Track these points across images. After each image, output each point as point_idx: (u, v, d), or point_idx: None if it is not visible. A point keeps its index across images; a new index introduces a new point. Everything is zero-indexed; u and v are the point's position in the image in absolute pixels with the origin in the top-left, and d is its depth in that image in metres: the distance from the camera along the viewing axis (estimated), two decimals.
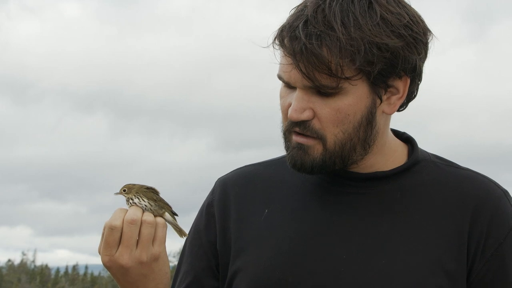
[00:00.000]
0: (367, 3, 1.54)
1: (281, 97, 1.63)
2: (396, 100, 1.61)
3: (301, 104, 1.57)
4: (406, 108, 1.67)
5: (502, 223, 1.61)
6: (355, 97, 1.56)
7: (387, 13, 1.54)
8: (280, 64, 1.59)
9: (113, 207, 1.61)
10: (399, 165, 1.67)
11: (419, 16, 1.59)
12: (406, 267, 1.57)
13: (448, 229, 1.60)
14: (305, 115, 1.57)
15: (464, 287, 1.59)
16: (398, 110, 1.65)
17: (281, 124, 1.64)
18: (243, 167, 1.80)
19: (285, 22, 1.58)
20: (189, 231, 1.78)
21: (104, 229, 1.58)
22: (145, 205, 1.61)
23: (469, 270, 1.59)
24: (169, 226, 1.64)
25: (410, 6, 1.59)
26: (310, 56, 1.51)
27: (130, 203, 1.62)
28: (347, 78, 1.53)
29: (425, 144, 1.74)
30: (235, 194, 1.74)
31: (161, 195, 1.65)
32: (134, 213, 1.58)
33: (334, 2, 1.54)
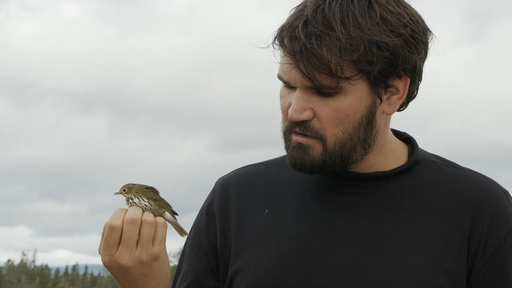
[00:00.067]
0: (367, 3, 1.54)
1: (281, 97, 1.63)
2: (396, 100, 1.61)
3: (301, 104, 1.57)
4: (406, 108, 1.67)
5: (503, 223, 1.61)
6: (355, 97, 1.56)
7: (386, 13, 1.54)
8: (280, 64, 1.59)
9: (113, 207, 1.61)
10: (400, 165, 1.67)
11: (419, 16, 1.59)
12: (406, 267, 1.57)
13: (448, 229, 1.60)
14: (305, 115, 1.57)
15: (464, 287, 1.59)
16: (398, 110, 1.64)
17: (281, 124, 1.64)
18: (243, 167, 1.80)
19: (285, 22, 1.58)
20: (189, 231, 1.78)
21: (104, 229, 1.58)
22: (145, 205, 1.61)
23: (469, 270, 1.59)
24: (169, 225, 1.64)
25: (410, 6, 1.59)
26: (310, 56, 1.51)
27: (130, 203, 1.62)
28: (347, 78, 1.53)
29: (425, 144, 1.74)
30: (236, 194, 1.74)
31: (161, 195, 1.65)
32: (134, 212, 1.58)
33: (334, 2, 1.54)
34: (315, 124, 1.58)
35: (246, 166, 1.80)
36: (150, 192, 1.63)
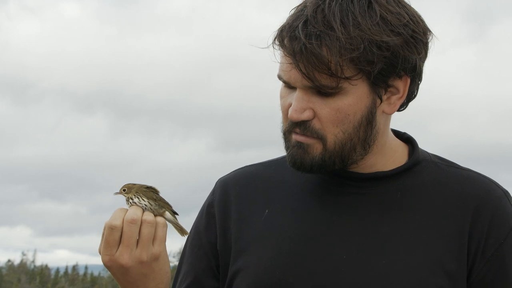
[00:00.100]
0: (367, 3, 1.54)
1: (281, 97, 1.63)
2: (396, 100, 1.61)
3: (301, 104, 1.57)
4: (406, 108, 1.67)
5: (503, 223, 1.61)
6: (355, 97, 1.56)
7: (386, 13, 1.54)
8: (280, 64, 1.59)
9: (113, 207, 1.61)
10: (400, 165, 1.67)
11: (419, 16, 1.59)
12: (406, 267, 1.57)
13: (448, 229, 1.60)
14: (305, 115, 1.57)
15: (464, 287, 1.59)
16: (399, 110, 1.64)
17: (281, 124, 1.64)
18: (243, 167, 1.80)
19: (285, 22, 1.58)
20: (190, 232, 1.78)
21: (104, 229, 1.58)
22: (145, 205, 1.61)
23: (470, 270, 1.59)
24: (169, 225, 1.64)
25: (409, 5, 1.59)
26: (309, 56, 1.51)
27: (130, 202, 1.62)
28: (347, 78, 1.53)
29: (425, 144, 1.74)
30: (236, 194, 1.74)
31: (161, 195, 1.65)
32: (134, 212, 1.58)
33: (334, 2, 1.54)
34: (315, 124, 1.58)
35: (246, 166, 1.80)
36: (150, 192, 1.63)
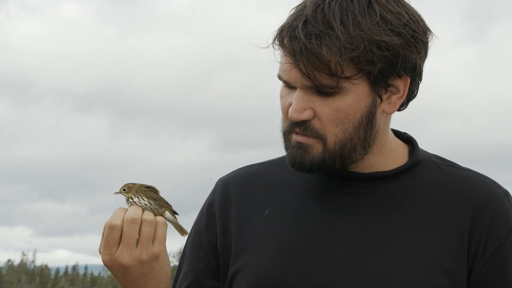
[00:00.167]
0: (367, 2, 1.54)
1: (281, 97, 1.63)
2: (397, 99, 1.61)
3: (301, 104, 1.57)
4: (406, 108, 1.67)
5: (503, 224, 1.61)
6: (355, 96, 1.56)
7: (386, 12, 1.54)
8: (280, 63, 1.59)
9: (113, 207, 1.61)
10: (400, 165, 1.67)
11: (419, 16, 1.59)
12: (406, 267, 1.57)
13: (448, 229, 1.60)
14: (306, 115, 1.57)
15: (464, 287, 1.59)
16: (399, 110, 1.64)
17: (281, 124, 1.64)
18: (243, 167, 1.80)
19: (285, 22, 1.58)
20: (190, 232, 1.78)
21: (104, 229, 1.57)
22: (145, 204, 1.61)
23: (470, 270, 1.59)
24: (169, 225, 1.63)
25: (409, 5, 1.59)
26: (309, 56, 1.51)
27: (130, 202, 1.62)
28: (347, 78, 1.53)
29: (425, 144, 1.74)
30: (236, 194, 1.74)
31: (161, 195, 1.65)
32: (134, 212, 1.58)
33: (334, 2, 1.54)
34: (316, 124, 1.58)
35: (246, 166, 1.80)
36: (150, 192, 1.63)
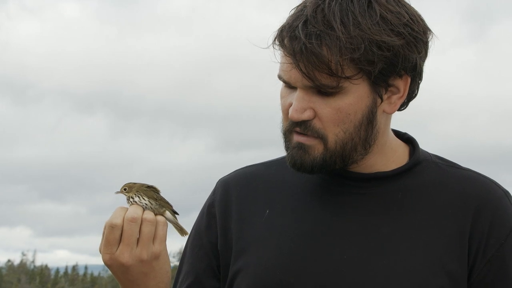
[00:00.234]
0: (367, 2, 1.54)
1: (282, 97, 1.63)
2: (397, 99, 1.61)
3: (302, 104, 1.57)
4: (406, 108, 1.67)
5: (503, 224, 1.61)
6: (355, 96, 1.56)
7: (386, 12, 1.54)
8: (280, 64, 1.59)
9: (113, 207, 1.61)
10: (400, 166, 1.67)
11: (419, 15, 1.59)
12: (407, 267, 1.57)
13: (449, 229, 1.60)
14: (306, 115, 1.57)
15: (465, 287, 1.59)
16: (399, 110, 1.64)
17: (281, 124, 1.64)
18: (244, 167, 1.80)
19: (285, 22, 1.58)
20: (190, 232, 1.78)
21: (104, 228, 1.58)
22: (146, 204, 1.61)
23: (470, 270, 1.59)
24: (170, 225, 1.64)
25: (409, 5, 1.59)
26: (310, 56, 1.51)
27: (131, 201, 1.62)
28: (347, 78, 1.53)
29: (425, 144, 1.74)
30: (237, 194, 1.74)
31: (161, 195, 1.65)
32: (135, 211, 1.58)
33: (334, 2, 1.54)
34: (316, 124, 1.58)
35: (247, 167, 1.80)
36: (150, 191, 1.63)
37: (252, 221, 1.69)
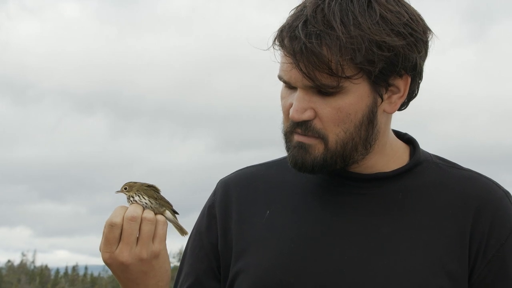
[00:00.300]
0: (366, 2, 1.54)
1: (282, 97, 1.63)
2: (397, 99, 1.61)
3: (302, 104, 1.57)
4: (407, 108, 1.67)
5: (504, 224, 1.61)
6: (356, 96, 1.56)
7: (386, 12, 1.54)
8: (281, 64, 1.59)
9: (113, 207, 1.60)
10: (401, 166, 1.67)
11: (419, 15, 1.59)
12: (407, 267, 1.57)
13: (449, 230, 1.60)
14: (307, 115, 1.57)
15: (465, 287, 1.59)
16: (400, 109, 1.64)
17: (282, 125, 1.64)
18: (244, 168, 1.80)
19: (285, 23, 1.58)
20: (191, 233, 1.78)
21: (105, 227, 1.58)
22: (146, 203, 1.61)
23: (471, 271, 1.59)
24: (170, 224, 1.63)
25: (409, 5, 1.59)
26: (310, 56, 1.52)
27: (131, 201, 1.62)
28: (347, 77, 1.53)
29: (425, 144, 1.74)
30: (237, 195, 1.73)
31: (161, 194, 1.65)
32: (134, 210, 1.58)
33: (333, 2, 1.54)
34: (317, 124, 1.58)
35: (247, 167, 1.80)
36: (151, 191, 1.63)
37: (252, 221, 1.69)
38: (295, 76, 1.56)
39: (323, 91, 1.55)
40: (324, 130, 1.58)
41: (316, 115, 1.57)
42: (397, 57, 1.54)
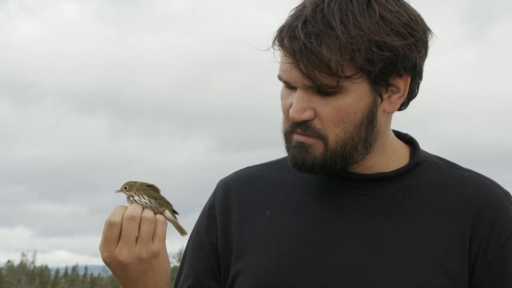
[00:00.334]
0: (366, 2, 1.54)
1: (282, 98, 1.63)
2: (397, 99, 1.61)
3: (302, 104, 1.57)
4: (406, 108, 1.67)
5: (504, 225, 1.61)
6: (355, 96, 1.56)
7: (386, 12, 1.54)
8: (280, 64, 1.59)
9: (112, 207, 1.60)
10: (401, 166, 1.67)
11: (418, 15, 1.59)
12: (407, 268, 1.57)
13: (449, 230, 1.60)
14: (306, 115, 1.57)
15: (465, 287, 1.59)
16: (399, 109, 1.64)
17: (282, 125, 1.64)
18: (244, 168, 1.80)
19: (284, 23, 1.58)
20: (191, 233, 1.78)
21: (104, 226, 1.58)
22: (145, 203, 1.61)
23: (471, 271, 1.59)
24: (169, 224, 1.63)
25: (409, 4, 1.59)
26: (309, 55, 1.51)
27: (131, 200, 1.62)
28: (347, 77, 1.53)
29: (425, 144, 1.74)
30: (237, 195, 1.73)
31: (161, 194, 1.65)
32: (134, 209, 1.58)
33: (333, 2, 1.54)
34: (316, 124, 1.58)
35: (247, 168, 1.80)
36: (151, 190, 1.63)
37: (252, 222, 1.68)
38: (295, 76, 1.56)
39: (323, 91, 1.55)
40: (324, 130, 1.58)
41: (316, 115, 1.57)
42: (397, 57, 1.54)
